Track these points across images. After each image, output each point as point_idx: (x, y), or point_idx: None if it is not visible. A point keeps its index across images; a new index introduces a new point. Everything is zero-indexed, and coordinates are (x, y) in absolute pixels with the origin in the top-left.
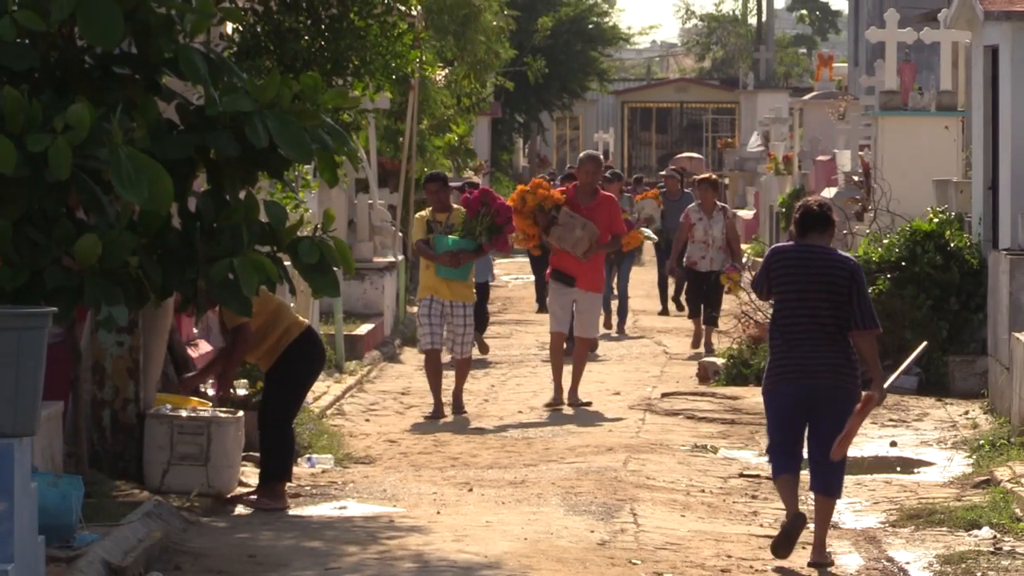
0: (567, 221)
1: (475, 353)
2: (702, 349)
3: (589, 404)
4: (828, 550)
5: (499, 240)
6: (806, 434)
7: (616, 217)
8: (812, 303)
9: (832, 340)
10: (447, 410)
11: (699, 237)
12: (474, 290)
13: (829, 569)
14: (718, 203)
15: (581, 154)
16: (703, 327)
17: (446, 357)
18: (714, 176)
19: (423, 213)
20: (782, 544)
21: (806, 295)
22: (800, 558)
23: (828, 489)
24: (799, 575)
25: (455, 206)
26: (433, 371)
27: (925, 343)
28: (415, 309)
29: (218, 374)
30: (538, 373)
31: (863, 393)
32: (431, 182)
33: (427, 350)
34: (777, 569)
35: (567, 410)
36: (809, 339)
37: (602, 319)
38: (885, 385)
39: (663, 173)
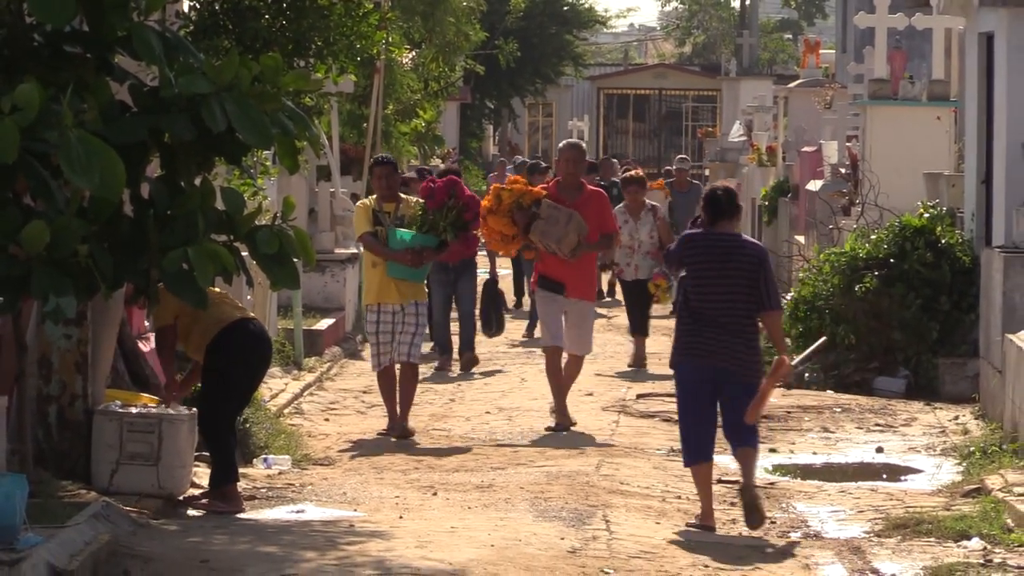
0: (550, 214)
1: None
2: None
3: (574, 424)
4: (757, 490)
5: (465, 238)
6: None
7: (607, 214)
8: (724, 287)
9: (739, 324)
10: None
11: (624, 242)
12: (426, 288)
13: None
14: (647, 203)
15: (561, 143)
16: (632, 337)
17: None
18: (641, 173)
19: (366, 201)
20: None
21: (718, 280)
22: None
23: (744, 440)
24: None
25: (404, 196)
26: (387, 386)
27: (823, 339)
28: None
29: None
30: (507, 372)
31: (776, 359)
32: (380, 166)
33: (380, 371)
34: None
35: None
36: (717, 322)
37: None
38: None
39: (674, 167)
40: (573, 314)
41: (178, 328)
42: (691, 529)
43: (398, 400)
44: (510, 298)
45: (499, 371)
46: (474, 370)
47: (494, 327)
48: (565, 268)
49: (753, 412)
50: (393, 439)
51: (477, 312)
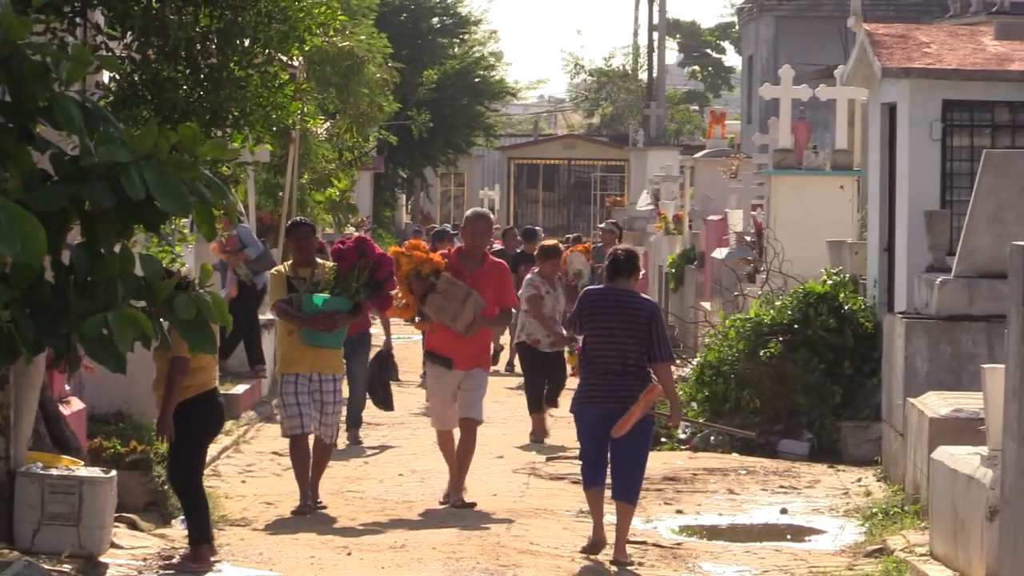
0: (447, 289)
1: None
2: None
3: (473, 505)
4: (628, 551)
5: (379, 298)
6: (609, 451)
7: (507, 288)
8: (617, 337)
9: (632, 370)
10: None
11: (546, 311)
12: (343, 359)
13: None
14: (560, 274)
15: (468, 212)
16: (536, 412)
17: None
18: (558, 243)
19: (280, 268)
20: (590, 552)
21: (612, 330)
22: None
23: (626, 496)
24: None
25: (320, 261)
26: (301, 458)
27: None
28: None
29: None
30: (419, 435)
31: (649, 385)
32: (299, 228)
33: (294, 435)
34: None
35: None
36: (612, 368)
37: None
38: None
39: (601, 226)
40: (466, 382)
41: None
42: (586, 557)
43: (310, 472)
44: (417, 364)
45: (390, 446)
46: (383, 437)
47: (383, 402)
48: (454, 342)
49: (620, 428)
50: (307, 515)
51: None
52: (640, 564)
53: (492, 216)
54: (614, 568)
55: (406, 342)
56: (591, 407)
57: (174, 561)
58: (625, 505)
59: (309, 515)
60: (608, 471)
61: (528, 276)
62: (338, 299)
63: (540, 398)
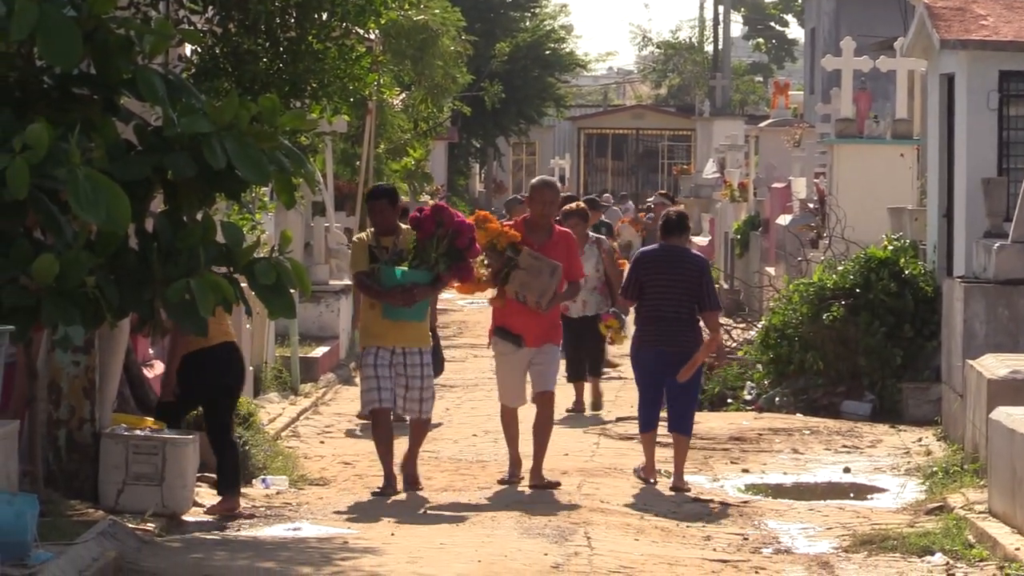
0: (532, 264)
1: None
2: (587, 411)
3: (558, 485)
4: (685, 477)
5: (460, 269)
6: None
7: (575, 259)
8: (670, 290)
9: (683, 320)
10: (400, 483)
11: None
12: (430, 332)
13: (687, 494)
14: (590, 235)
15: (534, 180)
16: (589, 380)
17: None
18: (582, 204)
19: (362, 236)
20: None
21: (666, 284)
22: None
23: (682, 429)
24: None
25: (404, 227)
26: (383, 435)
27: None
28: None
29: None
30: (492, 396)
31: (710, 336)
32: (379, 199)
33: (375, 409)
34: None
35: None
36: (666, 316)
37: None
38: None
39: (651, 200)
40: (538, 357)
41: None
42: (640, 480)
43: (407, 447)
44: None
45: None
46: (457, 399)
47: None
48: (527, 319)
49: (684, 373)
50: (397, 493)
51: None
52: (707, 522)
53: (559, 184)
54: (683, 522)
55: (480, 307)
56: (648, 350)
57: (205, 509)
58: (681, 437)
59: (392, 498)
60: (664, 413)
61: None
62: (417, 272)
63: (577, 367)
